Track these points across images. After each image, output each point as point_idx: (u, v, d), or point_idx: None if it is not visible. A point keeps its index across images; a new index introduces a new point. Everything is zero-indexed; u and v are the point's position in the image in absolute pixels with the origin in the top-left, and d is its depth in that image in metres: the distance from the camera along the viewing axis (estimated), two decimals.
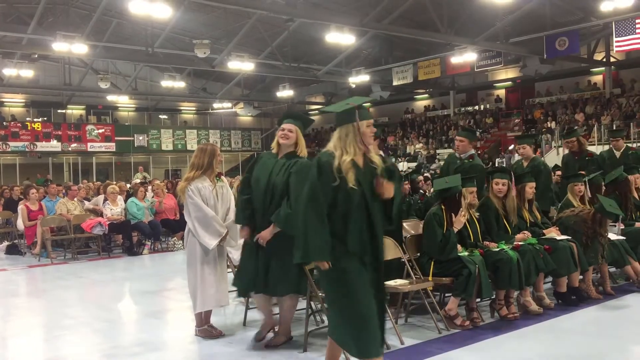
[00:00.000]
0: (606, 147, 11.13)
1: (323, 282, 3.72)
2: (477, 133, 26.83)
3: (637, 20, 17.80)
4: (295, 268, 4.47)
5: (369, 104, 4.16)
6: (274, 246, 4.55)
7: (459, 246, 5.38)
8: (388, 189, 3.54)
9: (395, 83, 24.44)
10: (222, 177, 5.45)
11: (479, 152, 25.03)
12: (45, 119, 30.40)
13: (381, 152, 5.57)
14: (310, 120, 5.06)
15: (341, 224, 3.51)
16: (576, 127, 21.98)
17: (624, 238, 6.52)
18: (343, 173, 3.45)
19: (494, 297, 5.50)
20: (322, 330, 5.05)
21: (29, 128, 28.54)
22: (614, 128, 20.00)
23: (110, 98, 29.54)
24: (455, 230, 5.36)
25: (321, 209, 3.47)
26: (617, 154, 9.00)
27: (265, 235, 4.54)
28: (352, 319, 3.46)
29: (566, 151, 8.75)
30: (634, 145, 9.97)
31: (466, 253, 5.35)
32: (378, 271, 3.58)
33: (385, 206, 3.63)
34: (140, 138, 31.52)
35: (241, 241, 5.00)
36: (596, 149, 12.88)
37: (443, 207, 5.43)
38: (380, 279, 3.61)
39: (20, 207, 11.24)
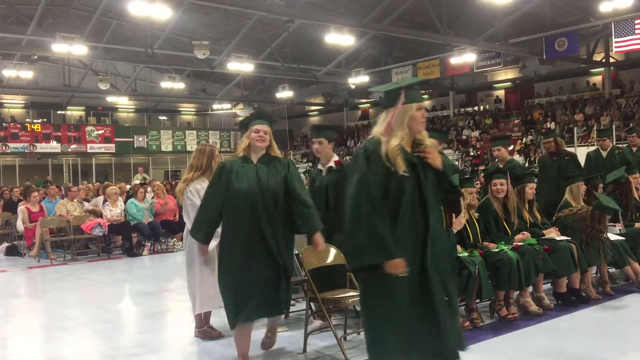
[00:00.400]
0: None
1: (363, 291, 3.26)
2: (478, 134, 26.90)
3: (636, 21, 17.82)
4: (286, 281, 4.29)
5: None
6: (269, 258, 4.16)
7: (458, 247, 5.38)
8: (434, 155, 3.19)
9: None
10: None
11: (479, 152, 25.09)
12: (44, 120, 30.40)
13: (335, 157, 5.45)
14: (275, 120, 4.72)
15: (391, 218, 3.12)
16: (554, 128, 22.03)
17: (624, 238, 6.52)
18: (391, 160, 3.10)
19: (493, 297, 5.50)
20: (322, 330, 5.05)
21: (28, 129, 28.53)
22: (614, 128, 20.05)
23: (110, 99, 29.54)
24: (455, 231, 5.36)
25: (376, 200, 3.07)
26: (604, 153, 8.96)
27: (322, 241, 4.29)
28: (391, 330, 3.07)
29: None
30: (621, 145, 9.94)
31: (466, 254, 5.35)
32: (430, 273, 3.11)
33: (440, 181, 3.25)
34: (140, 139, 31.52)
35: None
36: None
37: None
38: (434, 282, 3.11)
39: (21, 208, 11.24)
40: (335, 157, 5.46)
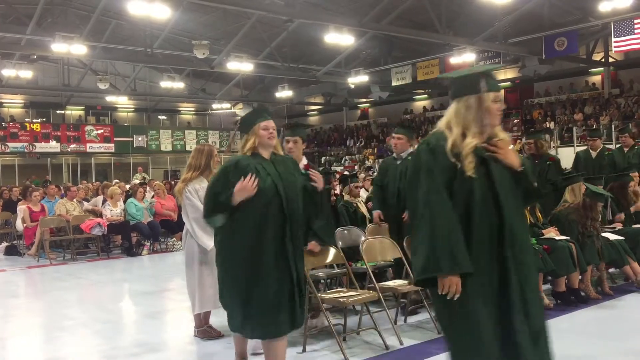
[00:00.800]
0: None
1: (437, 304, 2.85)
2: None
3: (635, 21, 17.82)
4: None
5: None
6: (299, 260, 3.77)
7: None
8: (505, 151, 2.77)
9: (394, 83, 24.43)
10: None
11: None
12: (44, 119, 30.38)
13: (305, 160, 5.10)
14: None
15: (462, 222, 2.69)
16: (537, 130, 22.00)
17: (623, 238, 6.54)
18: (461, 158, 2.68)
19: None
20: (321, 330, 5.05)
21: (28, 129, 28.51)
22: (613, 128, 20.07)
23: (109, 99, 29.51)
24: None
25: (447, 203, 2.65)
26: (593, 154, 8.91)
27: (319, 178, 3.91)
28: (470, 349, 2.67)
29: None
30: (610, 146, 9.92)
31: None
32: (508, 288, 2.68)
33: (518, 181, 2.81)
34: (139, 139, 31.50)
35: None
36: None
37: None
38: (514, 296, 2.68)
39: (23, 207, 11.22)
40: (304, 161, 5.16)
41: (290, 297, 3.65)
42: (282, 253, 3.64)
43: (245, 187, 3.60)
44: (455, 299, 2.66)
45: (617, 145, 9.73)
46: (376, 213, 6.16)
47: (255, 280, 3.61)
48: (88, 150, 29.94)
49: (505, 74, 27.51)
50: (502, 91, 2.86)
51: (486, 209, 2.68)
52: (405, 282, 5.26)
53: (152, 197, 11.91)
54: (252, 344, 4.47)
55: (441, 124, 2.83)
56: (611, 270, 6.85)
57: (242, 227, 3.65)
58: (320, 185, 3.92)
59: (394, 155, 6.23)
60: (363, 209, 7.49)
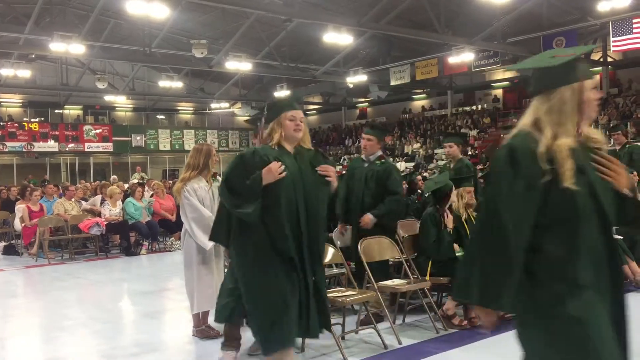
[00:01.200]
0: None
1: (531, 336, 2.22)
2: (476, 133, 26.93)
3: (634, 20, 17.85)
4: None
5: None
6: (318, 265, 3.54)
7: (456, 246, 5.41)
8: (619, 172, 2.29)
9: (392, 83, 24.45)
10: (218, 177, 5.45)
11: (477, 151, 25.10)
12: (42, 119, 30.37)
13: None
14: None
15: (560, 244, 2.18)
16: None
17: (622, 237, 6.54)
18: (556, 164, 2.16)
19: None
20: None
21: (26, 128, 28.50)
22: (611, 127, 20.08)
23: (108, 98, 29.49)
24: (450, 229, 5.40)
25: (515, 230, 2.15)
26: None
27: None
28: None
29: None
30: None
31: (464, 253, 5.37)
32: (621, 308, 2.22)
33: (623, 206, 2.32)
34: (138, 138, 31.49)
35: None
36: None
37: (438, 207, 5.51)
38: (623, 319, 2.23)
39: (22, 207, 11.21)
40: None
41: (304, 303, 3.41)
42: (297, 255, 3.41)
43: (271, 170, 3.36)
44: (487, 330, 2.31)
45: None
46: (341, 225, 5.78)
47: (269, 280, 3.39)
48: (86, 149, 29.92)
49: (504, 74, 27.55)
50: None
51: (591, 224, 2.21)
52: (404, 282, 5.27)
53: (151, 196, 11.90)
54: (253, 344, 4.47)
55: (525, 124, 2.33)
56: None
57: (252, 226, 3.42)
58: (335, 180, 3.55)
59: (363, 156, 5.83)
60: None
